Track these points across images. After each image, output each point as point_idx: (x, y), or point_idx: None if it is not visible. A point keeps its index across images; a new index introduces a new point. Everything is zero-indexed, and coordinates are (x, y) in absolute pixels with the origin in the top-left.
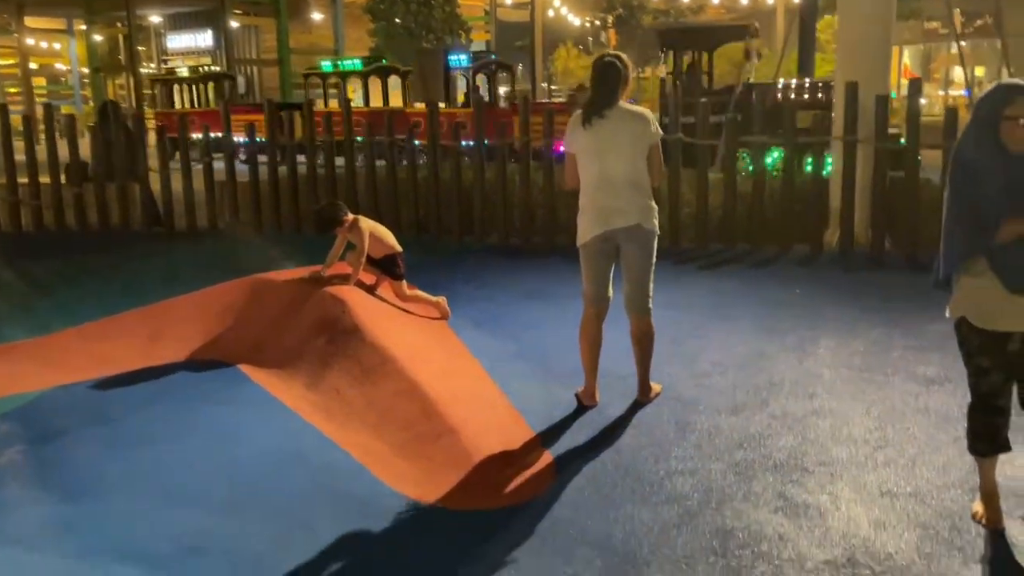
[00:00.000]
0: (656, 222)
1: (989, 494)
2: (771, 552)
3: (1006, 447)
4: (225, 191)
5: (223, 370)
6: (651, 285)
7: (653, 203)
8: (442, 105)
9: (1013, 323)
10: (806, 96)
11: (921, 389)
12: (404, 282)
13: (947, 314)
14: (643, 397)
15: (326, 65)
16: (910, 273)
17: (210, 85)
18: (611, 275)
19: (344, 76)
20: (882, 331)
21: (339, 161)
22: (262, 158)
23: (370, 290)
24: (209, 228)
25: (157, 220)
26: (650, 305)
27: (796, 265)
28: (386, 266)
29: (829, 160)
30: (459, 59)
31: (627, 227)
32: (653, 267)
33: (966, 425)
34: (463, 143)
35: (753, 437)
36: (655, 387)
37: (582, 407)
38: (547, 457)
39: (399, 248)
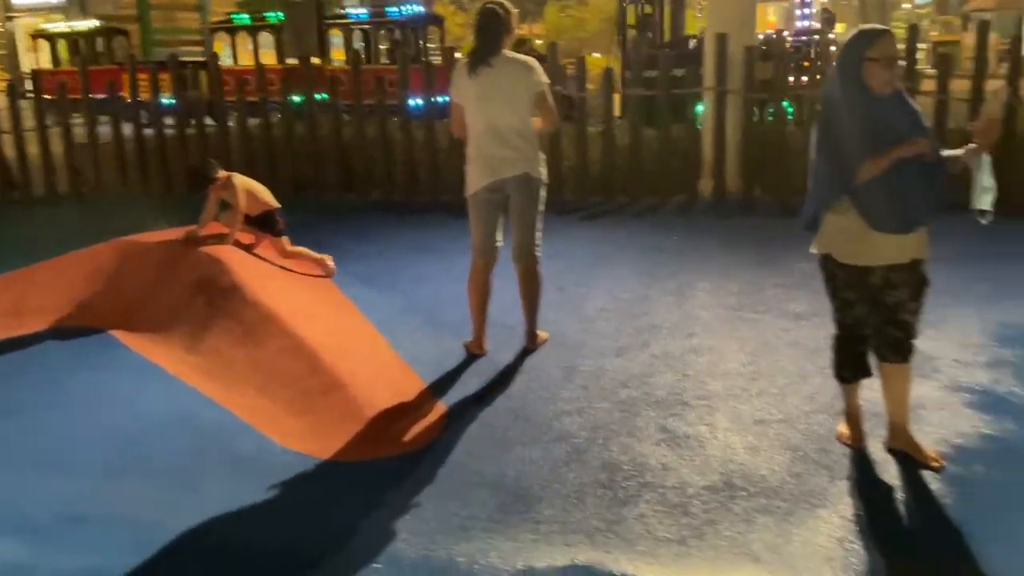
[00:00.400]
0: (544, 171)
1: (853, 417)
2: (655, 481)
3: (867, 373)
4: (95, 153)
5: (95, 337)
6: (539, 234)
7: (540, 152)
8: (316, 61)
9: (875, 258)
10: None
11: (791, 324)
12: (285, 238)
13: (812, 250)
14: (531, 344)
15: (240, 17)
16: (779, 217)
17: (99, 41)
18: (499, 225)
19: (254, 30)
20: (754, 273)
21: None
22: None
23: (249, 249)
24: (73, 192)
25: (11, 185)
26: (538, 254)
27: (673, 214)
28: (264, 223)
29: (699, 110)
30: (357, 14)
31: (515, 176)
32: (541, 216)
33: (831, 355)
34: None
35: (636, 376)
36: (542, 335)
37: (472, 357)
38: (439, 406)
39: (276, 204)
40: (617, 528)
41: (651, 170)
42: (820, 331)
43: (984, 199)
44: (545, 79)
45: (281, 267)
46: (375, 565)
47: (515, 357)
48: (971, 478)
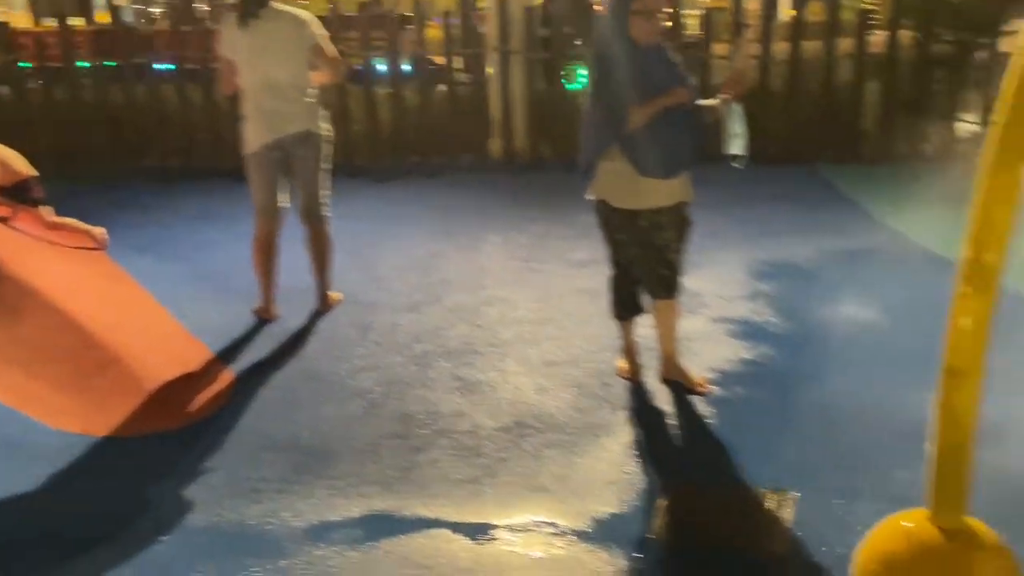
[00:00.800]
0: (326, 126)
1: (630, 352)
2: (449, 427)
3: (641, 311)
4: None
5: None
6: (326, 193)
7: (320, 106)
8: (80, 21)
9: (643, 202)
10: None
11: (575, 272)
12: (45, 209)
13: (588, 196)
14: (323, 306)
15: None
16: (565, 174)
17: None
18: (282, 184)
19: None
20: (541, 225)
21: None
22: None
23: (4, 222)
24: None
25: None
26: (326, 213)
27: (464, 174)
28: (18, 194)
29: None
30: None
31: (296, 133)
32: (327, 174)
33: (608, 295)
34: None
35: (430, 330)
36: (335, 296)
37: (262, 322)
38: (227, 374)
39: (32, 172)
40: (412, 474)
41: (442, 131)
42: (601, 277)
43: (735, 144)
44: (320, 30)
45: (44, 240)
46: (162, 538)
47: (308, 320)
48: (733, 399)
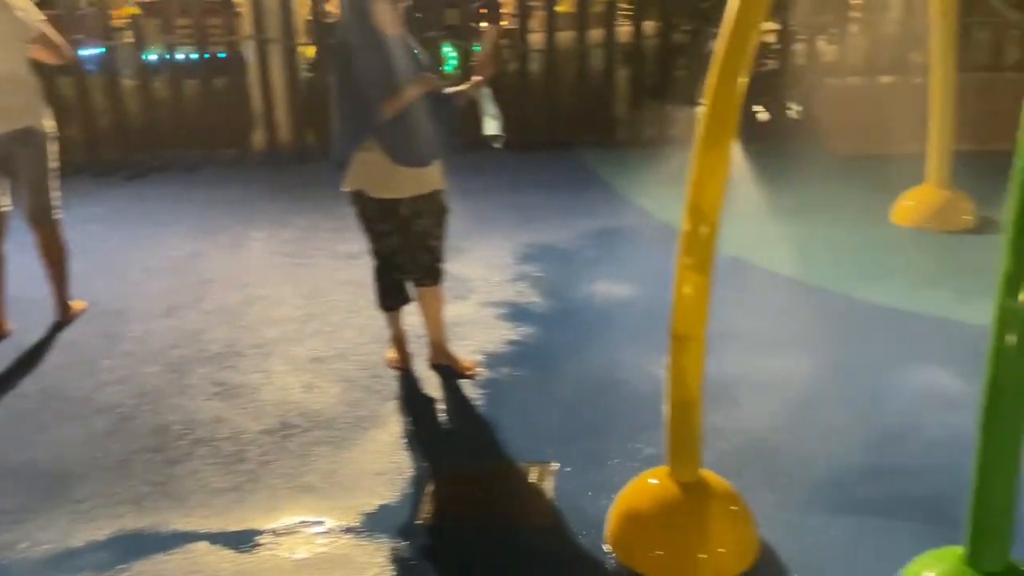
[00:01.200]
0: (50, 123)
1: (398, 341)
2: (209, 435)
3: (407, 299)
4: None
5: None
6: (56, 194)
7: (42, 101)
8: None
9: (401, 190)
10: None
11: (343, 264)
12: None
13: (344, 188)
14: (63, 317)
15: None
16: (331, 165)
17: None
18: (5, 187)
19: None
20: (308, 218)
21: None
22: None
23: None
24: None
25: None
26: (56, 215)
27: (226, 168)
28: None
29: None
30: None
31: (15, 131)
32: (55, 173)
33: (374, 286)
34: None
35: (188, 335)
36: (77, 305)
37: None
38: None
39: None
40: (168, 488)
41: (201, 124)
42: (369, 269)
43: (491, 126)
44: (39, 15)
45: None
46: None
47: (46, 333)
48: (500, 379)
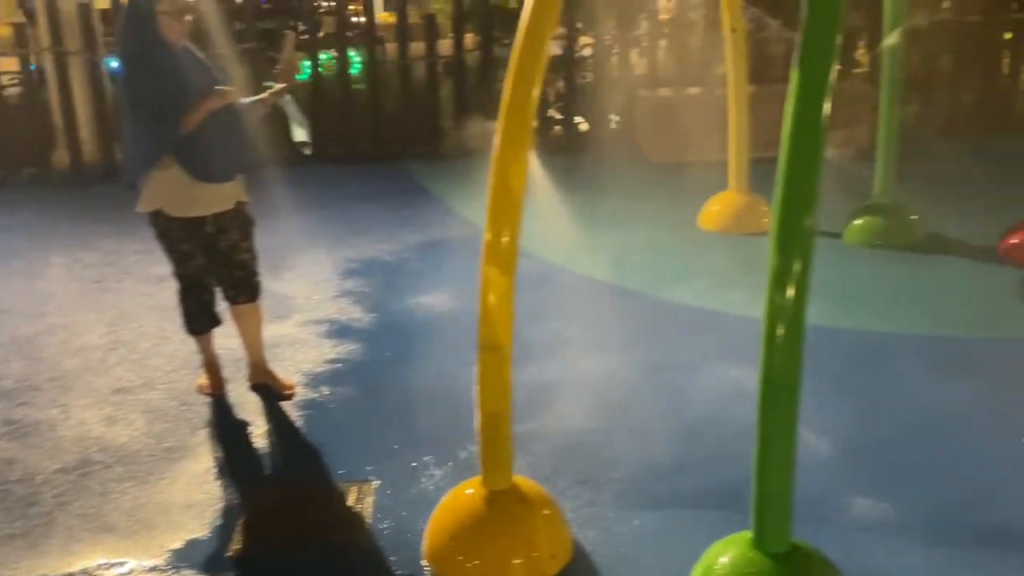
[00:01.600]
0: None
1: (211, 366)
2: None
3: (217, 321)
4: None
5: None
6: None
7: None
8: None
9: (204, 207)
10: None
11: (153, 288)
12: None
13: (140, 209)
14: None
15: None
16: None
17: None
18: None
19: None
20: (115, 240)
21: None
22: None
23: None
24: None
25: None
26: None
27: (24, 189)
28: None
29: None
30: None
31: None
32: None
33: (180, 310)
34: None
35: None
36: None
37: None
38: None
39: None
40: None
41: None
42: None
43: (299, 132)
44: None
45: None
46: None
47: None
48: (320, 399)
